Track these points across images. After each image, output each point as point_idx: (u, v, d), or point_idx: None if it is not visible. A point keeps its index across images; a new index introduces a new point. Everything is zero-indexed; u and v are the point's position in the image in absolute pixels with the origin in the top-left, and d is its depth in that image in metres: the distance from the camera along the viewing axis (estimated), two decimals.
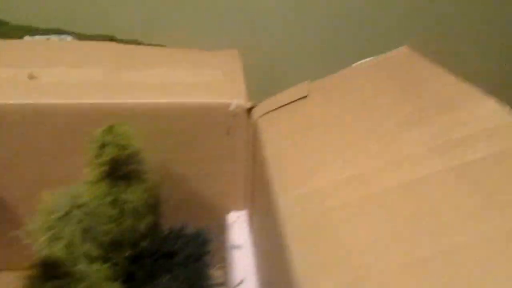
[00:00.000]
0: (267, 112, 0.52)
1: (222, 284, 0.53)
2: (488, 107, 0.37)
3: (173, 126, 0.54)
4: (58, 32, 0.68)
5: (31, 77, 0.54)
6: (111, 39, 0.80)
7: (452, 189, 0.31)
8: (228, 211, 0.63)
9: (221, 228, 0.61)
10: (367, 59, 0.55)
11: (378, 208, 0.33)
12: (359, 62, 0.56)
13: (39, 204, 0.43)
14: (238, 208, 0.63)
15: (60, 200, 0.42)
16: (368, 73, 0.52)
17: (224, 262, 0.57)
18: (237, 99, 0.55)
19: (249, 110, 0.55)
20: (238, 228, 0.59)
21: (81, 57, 0.60)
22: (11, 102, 0.50)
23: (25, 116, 0.50)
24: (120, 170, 0.47)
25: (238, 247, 0.56)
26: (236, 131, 0.57)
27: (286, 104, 0.51)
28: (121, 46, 0.65)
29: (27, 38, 0.59)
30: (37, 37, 0.61)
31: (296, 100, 0.52)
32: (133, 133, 0.48)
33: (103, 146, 0.45)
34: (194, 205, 0.61)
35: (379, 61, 0.53)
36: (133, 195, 0.49)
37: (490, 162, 0.32)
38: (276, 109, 0.52)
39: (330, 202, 0.35)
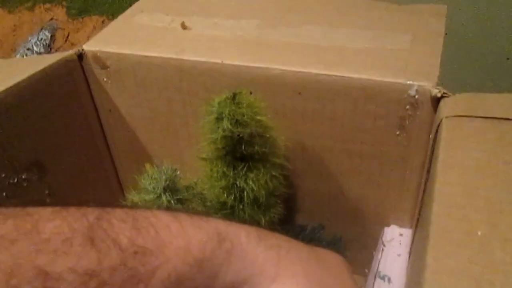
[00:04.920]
0: (464, 116, 0.34)
1: None
2: None
3: (326, 105, 0.42)
4: None
5: (184, 27, 0.48)
6: None
7: None
8: (387, 224, 0.48)
9: (372, 244, 0.47)
10: None
11: None
12: None
13: (142, 176, 0.38)
14: (401, 224, 0.47)
15: (155, 179, 0.35)
16: None
17: None
18: (421, 81, 0.38)
19: (438, 100, 0.38)
20: (393, 251, 0.44)
21: (240, 5, 0.52)
22: (155, 55, 0.45)
23: (169, 70, 0.45)
24: (238, 151, 0.38)
25: (384, 277, 0.41)
26: (413, 126, 0.40)
27: (496, 118, 0.32)
28: None
29: None
30: None
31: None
32: (262, 106, 0.37)
33: (220, 118, 0.36)
34: (343, 207, 0.48)
35: None
36: (254, 183, 0.39)
37: None
38: (479, 117, 0.33)
39: None
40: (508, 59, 0.85)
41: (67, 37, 1.28)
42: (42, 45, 1.25)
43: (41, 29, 1.29)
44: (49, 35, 1.27)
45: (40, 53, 1.20)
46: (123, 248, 0.21)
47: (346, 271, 0.28)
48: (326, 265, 0.27)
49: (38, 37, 1.26)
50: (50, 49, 1.26)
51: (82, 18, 1.29)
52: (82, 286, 0.19)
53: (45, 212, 0.21)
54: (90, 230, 0.20)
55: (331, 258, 0.28)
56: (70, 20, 1.30)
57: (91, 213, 0.21)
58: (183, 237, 0.23)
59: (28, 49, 1.25)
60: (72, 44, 1.23)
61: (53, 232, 0.20)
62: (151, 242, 0.22)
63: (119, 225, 0.21)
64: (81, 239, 0.20)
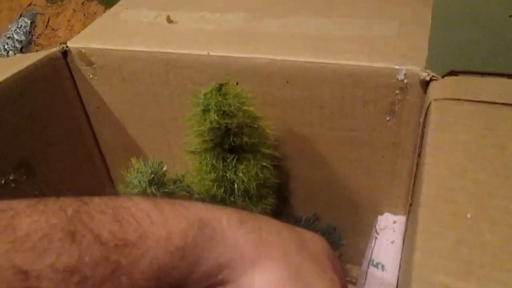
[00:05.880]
0: (452, 99, 0.33)
1: None
2: None
3: (315, 93, 0.41)
4: None
5: (170, 21, 0.47)
6: None
7: None
8: (381, 211, 0.48)
9: (367, 232, 0.47)
10: None
11: None
12: None
13: (128, 169, 0.37)
14: (394, 211, 0.47)
15: (141, 173, 0.34)
16: None
17: (355, 278, 0.43)
18: (409, 65, 0.38)
19: (427, 83, 0.38)
20: (387, 238, 0.44)
21: None
22: (140, 49, 0.45)
23: (154, 64, 0.45)
24: (227, 143, 0.37)
25: (377, 265, 0.41)
26: (403, 111, 0.40)
27: (484, 102, 0.32)
28: None
29: None
30: None
31: (501, 104, 0.32)
32: (249, 96, 0.37)
33: (207, 110, 0.36)
34: (336, 196, 0.48)
35: None
36: (244, 174, 0.39)
37: None
38: (468, 100, 0.33)
39: None
40: (511, 16, 0.82)
41: (48, 22, 1.24)
42: (22, 32, 1.21)
43: (21, 16, 1.25)
44: (29, 22, 1.23)
45: (21, 41, 1.17)
46: (104, 241, 0.20)
47: (327, 255, 0.28)
48: (307, 248, 0.27)
49: (18, 25, 1.23)
50: (31, 36, 1.22)
51: (62, 1, 1.25)
52: (63, 283, 0.19)
53: (21, 206, 0.20)
54: (70, 224, 0.20)
55: (314, 241, 0.28)
56: (49, 4, 1.26)
57: (69, 206, 0.21)
58: (164, 226, 0.22)
59: (8, 37, 1.22)
60: (53, 30, 1.20)
61: (31, 229, 0.19)
62: (132, 234, 0.21)
63: (99, 217, 0.21)
64: (60, 235, 0.20)
